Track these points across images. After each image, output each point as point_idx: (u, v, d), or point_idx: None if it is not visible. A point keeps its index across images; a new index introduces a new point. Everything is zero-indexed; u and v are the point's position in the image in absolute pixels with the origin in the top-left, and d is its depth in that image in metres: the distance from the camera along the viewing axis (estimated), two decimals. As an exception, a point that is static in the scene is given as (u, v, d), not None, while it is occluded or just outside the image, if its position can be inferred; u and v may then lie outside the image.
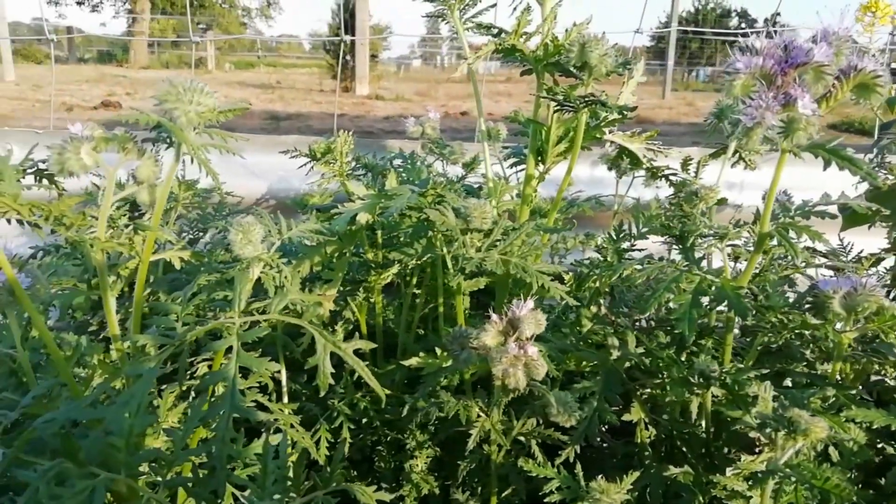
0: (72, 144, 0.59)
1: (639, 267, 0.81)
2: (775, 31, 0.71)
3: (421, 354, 0.84)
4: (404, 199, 0.79)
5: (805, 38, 0.70)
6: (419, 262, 0.93)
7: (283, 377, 0.98)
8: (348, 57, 17.94)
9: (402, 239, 1.03)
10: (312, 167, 1.01)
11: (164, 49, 25.53)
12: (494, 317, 0.70)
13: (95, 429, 0.66)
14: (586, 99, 0.76)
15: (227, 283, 0.80)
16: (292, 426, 0.80)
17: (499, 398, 0.77)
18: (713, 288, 0.75)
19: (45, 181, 0.71)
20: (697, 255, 0.85)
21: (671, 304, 0.79)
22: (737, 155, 1.07)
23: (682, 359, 0.85)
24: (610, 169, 1.22)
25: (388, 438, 1.01)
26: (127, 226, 0.70)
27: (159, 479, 0.57)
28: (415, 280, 1.08)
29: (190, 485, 0.59)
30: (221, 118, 0.61)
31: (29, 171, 0.68)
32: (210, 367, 0.75)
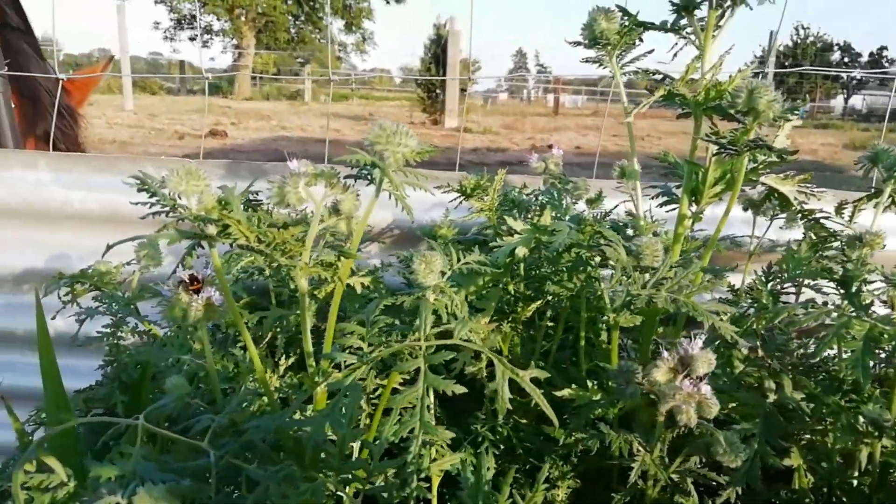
0: (291, 179, 0.66)
1: (801, 311, 0.81)
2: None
3: (573, 386, 0.87)
4: (564, 234, 0.82)
5: None
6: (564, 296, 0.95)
7: (431, 400, 1.02)
8: (438, 91, 18.39)
9: (540, 272, 1.07)
10: (461, 202, 1.06)
11: (265, 82, 26.94)
12: (665, 354, 0.72)
13: (285, 436, 0.72)
14: (754, 143, 0.78)
15: (393, 307, 0.86)
16: (442, 446, 0.84)
17: (661, 434, 0.78)
18: (885, 335, 0.74)
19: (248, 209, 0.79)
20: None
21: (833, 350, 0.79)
22: (889, 199, 1.04)
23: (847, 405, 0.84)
24: (745, 209, 1.21)
25: (528, 467, 1.03)
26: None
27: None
28: (549, 313, 1.11)
29: (384, 495, 0.63)
30: (419, 158, 0.67)
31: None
32: (383, 387, 0.80)
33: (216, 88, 24.11)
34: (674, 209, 0.92)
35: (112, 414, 1.05)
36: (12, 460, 1.19)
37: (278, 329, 1.11)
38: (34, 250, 1.71)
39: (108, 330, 1.11)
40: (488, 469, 0.96)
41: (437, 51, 19.74)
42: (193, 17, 27.62)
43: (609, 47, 0.87)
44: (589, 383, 0.87)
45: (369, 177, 0.70)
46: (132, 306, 1.11)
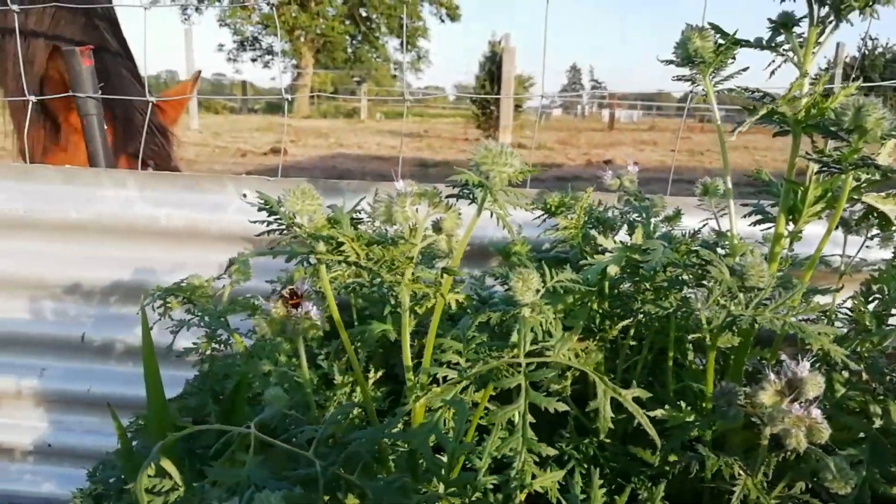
0: (398, 199, 0.68)
1: (910, 334, 0.78)
2: None
3: (666, 407, 0.86)
4: (660, 253, 0.82)
5: None
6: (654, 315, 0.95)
7: (519, 416, 1.02)
8: (492, 107, 18.46)
9: (625, 290, 1.06)
10: (545, 219, 1.06)
11: (322, 100, 27.57)
12: (772, 376, 0.71)
13: (382, 448, 0.74)
14: (860, 162, 0.76)
15: (484, 324, 0.87)
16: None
17: (764, 458, 0.76)
18: None
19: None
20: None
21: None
22: None
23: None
24: (836, 227, 1.18)
25: (613, 486, 1.02)
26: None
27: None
28: (632, 332, 1.10)
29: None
30: (521, 178, 0.68)
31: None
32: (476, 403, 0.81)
33: (276, 107, 24.77)
34: (768, 228, 0.90)
35: (204, 423, 1.09)
36: (101, 465, 1.25)
37: (359, 343, 1.13)
38: (122, 265, 1.79)
39: (200, 341, 1.16)
40: (591, 487, 0.95)
41: (492, 67, 19.85)
42: (255, 38, 28.56)
43: (703, 65, 0.87)
44: (682, 404, 0.86)
45: (470, 196, 0.71)
46: (223, 319, 1.15)
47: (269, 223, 0.66)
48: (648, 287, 0.92)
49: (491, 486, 0.63)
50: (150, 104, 1.83)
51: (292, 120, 21.69)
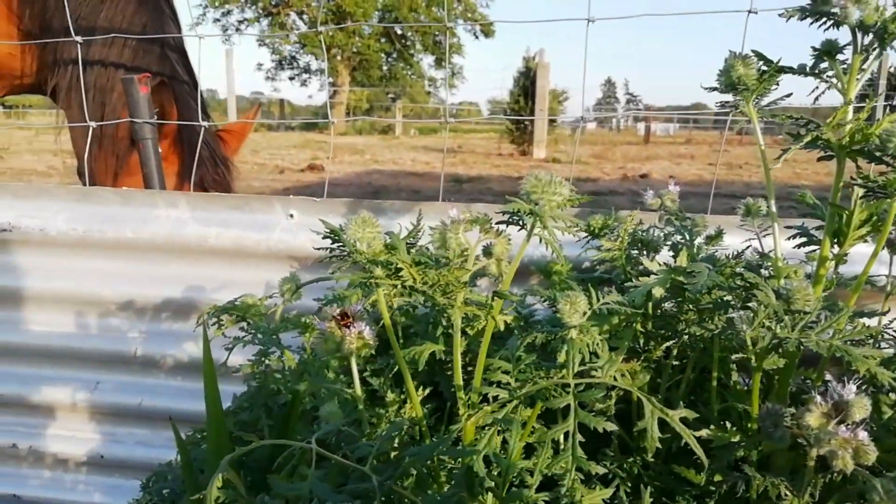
0: (452, 227, 0.71)
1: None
2: None
3: (712, 427, 0.87)
4: (705, 276, 0.84)
5: None
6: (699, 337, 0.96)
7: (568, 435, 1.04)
8: (526, 122, 18.51)
9: (668, 311, 1.08)
10: (589, 241, 1.09)
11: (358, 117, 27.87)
12: (818, 398, 0.72)
13: (434, 464, 0.76)
14: (907, 186, 0.77)
15: (530, 344, 0.89)
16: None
17: (810, 479, 0.77)
18: None
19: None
20: None
21: None
22: None
23: None
24: (882, 249, 1.18)
25: (658, 506, 1.03)
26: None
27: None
28: (674, 352, 1.11)
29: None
30: (569, 205, 0.71)
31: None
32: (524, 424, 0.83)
33: (313, 124, 25.19)
34: (813, 250, 0.91)
35: (258, 437, 1.13)
36: (154, 476, 1.30)
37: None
38: (173, 283, 1.86)
39: (254, 358, 1.20)
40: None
41: (527, 83, 19.92)
42: (293, 58, 29.15)
43: (746, 92, 0.89)
44: (727, 424, 0.87)
45: (520, 222, 0.74)
46: (275, 336, 1.19)
47: (331, 249, 0.69)
48: (692, 308, 0.94)
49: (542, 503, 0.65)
50: (202, 131, 1.90)
51: (328, 137, 22.01)
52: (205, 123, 1.93)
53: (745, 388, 1.04)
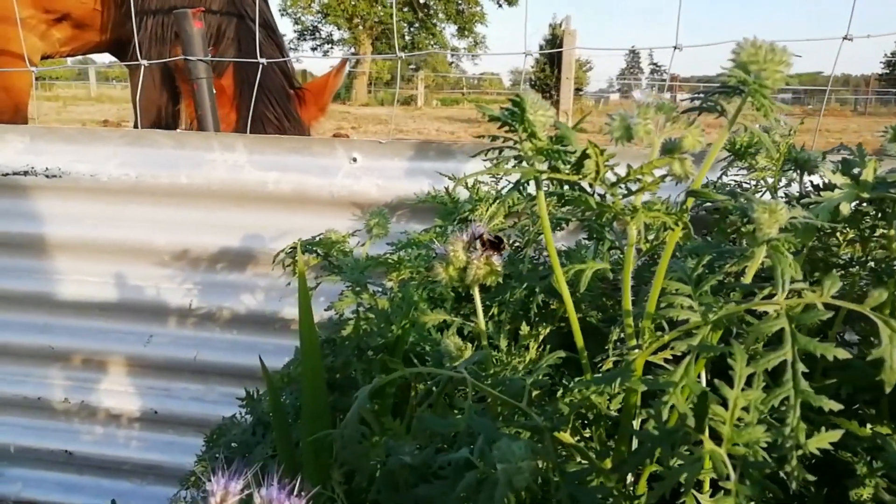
0: (640, 110, 0.58)
1: None
2: None
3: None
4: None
5: None
6: None
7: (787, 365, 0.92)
8: (552, 91, 18.17)
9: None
10: (733, 160, 0.95)
11: (380, 88, 27.68)
12: None
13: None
14: None
15: (709, 266, 0.75)
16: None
17: None
18: None
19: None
20: None
21: None
22: None
23: None
24: None
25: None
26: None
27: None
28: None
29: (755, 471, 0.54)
30: (795, 82, 0.57)
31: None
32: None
33: (336, 95, 25.04)
34: None
35: (350, 381, 1.02)
36: (219, 430, 1.20)
37: (500, 303, 1.04)
38: (229, 231, 1.75)
39: (344, 295, 1.09)
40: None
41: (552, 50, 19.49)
42: (315, 28, 28.81)
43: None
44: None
45: (717, 108, 0.61)
46: (365, 273, 1.08)
47: (497, 138, 0.57)
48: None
49: (764, 445, 0.53)
50: (291, 96, 1.77)
51: (351, 108, 21.86)
52: (263, 61, 1.80)
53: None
